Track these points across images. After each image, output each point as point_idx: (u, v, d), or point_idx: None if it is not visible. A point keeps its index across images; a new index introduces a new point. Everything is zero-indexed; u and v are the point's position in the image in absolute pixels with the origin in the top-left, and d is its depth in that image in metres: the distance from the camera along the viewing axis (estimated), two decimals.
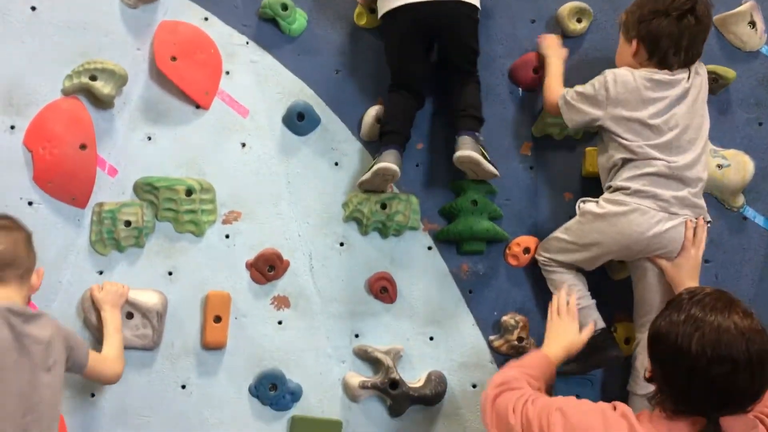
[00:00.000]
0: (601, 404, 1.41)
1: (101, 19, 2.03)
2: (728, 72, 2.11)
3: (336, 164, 2.14)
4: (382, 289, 2.09)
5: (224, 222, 2.07)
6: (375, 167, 1.99)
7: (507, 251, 2.13)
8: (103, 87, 1.96)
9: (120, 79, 1.99)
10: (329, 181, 2.13)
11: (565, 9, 2.14)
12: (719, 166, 2.06)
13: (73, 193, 1.96)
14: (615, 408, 1.39)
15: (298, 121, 2.12)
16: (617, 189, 1.86)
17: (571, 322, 1.83)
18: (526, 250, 2.10)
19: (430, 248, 2.14)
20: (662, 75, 1.86)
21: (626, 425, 1.34)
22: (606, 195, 1.89)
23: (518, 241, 2.11)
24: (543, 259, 2.03)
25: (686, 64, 1.87)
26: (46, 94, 1.96)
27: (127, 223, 1.97)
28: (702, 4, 1.84)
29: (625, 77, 1.86)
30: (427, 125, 2.17)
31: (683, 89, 1.85)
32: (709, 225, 1.87)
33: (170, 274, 2.03)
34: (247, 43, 2.15)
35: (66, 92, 1.97)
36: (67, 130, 1.93)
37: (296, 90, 2.15)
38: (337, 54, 2.18)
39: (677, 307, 1.35)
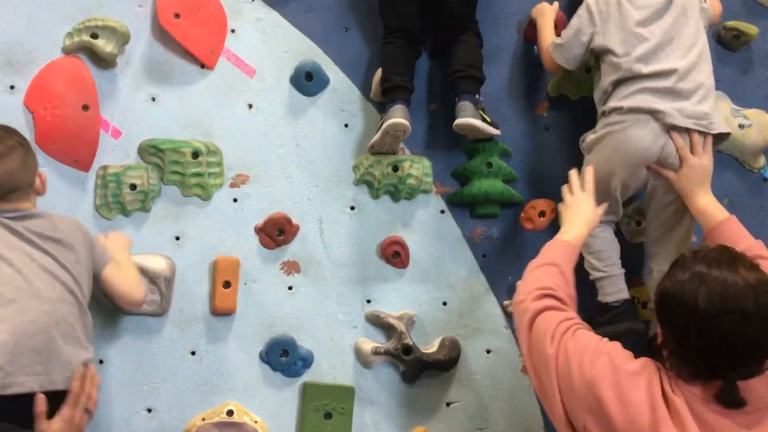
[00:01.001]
0: (648, 364, 1.35)
1: None
2: (750, 28, 2.06)
3: (346, 126, 2.09)
4: (394, 254, 2.04)
5: (232, 185, 2.02)
6: (384, 125, 1.93)
7: (522, 214, 2.08)
8: (104, 45, 1.89)
9: (122, 37, 1.91)
10: (339, 143, 2.08)
11: None
12: (741, 126, 2.01)
13: (76, 156, 1.89)
14: (659, 369, 1.35)
15: (307, 81, 2.05)
16: (611, 111, 1.80)
17: (586, 198, 1.76)
18: (542, 214, 2.06)
19: (442, 212, 2.09)
20: None
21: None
22: (600, 121, 1.84)
23: (533, 204, 2.07)
24: None
25: None
26: (46, 52, 1.89)
27: (133, 187, 1.91)
28: None
29: None
30: (440, 85, 2.10)
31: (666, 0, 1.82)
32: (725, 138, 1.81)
33: (177, 239, 1.97)
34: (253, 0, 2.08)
35: (66, 51, 1.90)
36: (68, 90, 1.87)
37: (304, 49, 2.08)
38: (347, 11, 2.11)
39: (681, 266, 1.32)
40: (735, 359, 1.25)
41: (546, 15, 2.02)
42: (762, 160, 2.06)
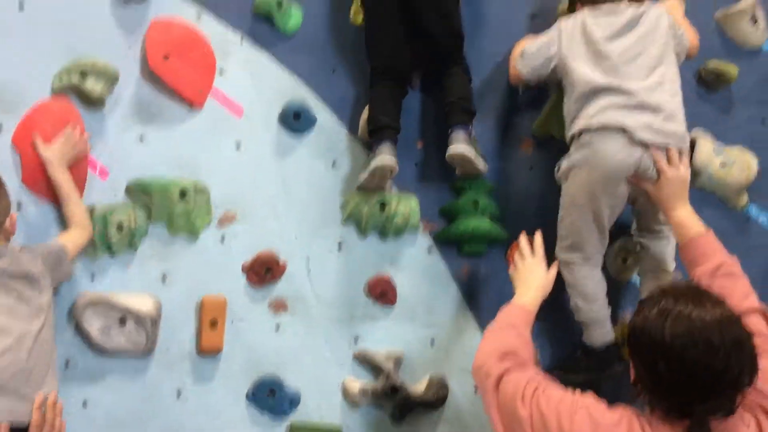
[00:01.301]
0: (626, 413, 1.35)
1: (92, 18, 1.96)
2: (731, 69, 2.10)
3: (333, 164, 2.10)
4: (382, 292, 2.04)
5: (219, 224, 2.02)
6: (372, 165, 1.95)
7: (509, 251, 2.09)
8: (93, 86, 1.90)
9: (111, 78, 1.93)
10: (326, 181, 2.09)
11: (564, 6, 2.11)
12: (723, 165, 2.04)
13: None
14: (637, 415, 1.35)
15: (294, 120, 2.07)
16: (581, 132, 1.81)
17: (538, 263, 1.78)
18: None
19: (430, 249, 2.10)
20: (607, 6, 1.87)
21: None
22: (572, 145, 1.85)
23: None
24: (562, 257, 1.92)
25: None
26: (36, 93, 1.89)
27: (120, 226, 1.91)
28: None
29: (574, 16, 1.91)
30: (427, 123, 2.13)
31: (631, 17, 1.84)
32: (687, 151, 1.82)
33: (164, 277, 1.97)
34: (242, 40, 2.10)
35: (56, 92, 1.91)
36: (57, 131, 1.87)
37: (292, 88, 2.10)
38: (334, 52, 2.13)
39: (650, 303, 1.34)
40: (703, 391, 1.26)
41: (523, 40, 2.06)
42: (745, 199, 2.08)
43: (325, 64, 2.13)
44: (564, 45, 1.88)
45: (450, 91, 2.03)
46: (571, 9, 2.02)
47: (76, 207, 1.83)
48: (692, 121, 2.08)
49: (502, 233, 2.07)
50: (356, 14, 2.12)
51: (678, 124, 1.79)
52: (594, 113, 1.78)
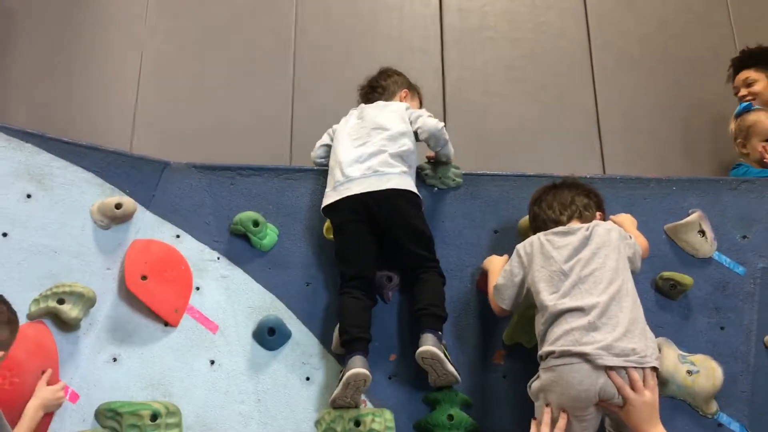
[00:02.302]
0: None
1: (72, 242, 2.03)
2: (685, 278, 2.20)
3: (307, 379, 2.10)
4: None
5: None
6: (344, 377, 1.95)
7: None
8: (70, 310, 1.93)
9: (88, 302, 1.96)
10: (301, 397, 2.08)
11: (524, 221, 2.24)
12: (689, 372, 2.08)
13: None
14: None
15: (269, 335, 2.10)
16: (547, 355, 1.83)
17: None
18: None
19: None
20: (559, 228, 1.99)
21: None
22: (540, 365, 1.86)
23: None
24: None
25: (576, 213, 2.02)
26: None
27: None
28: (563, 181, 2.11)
29: (530, 239, 2.00)
30: (400, 336, 2.16)
31: (583, 236, 1.94)
32: (654, 370, 1.81)
33: None
34: (218, 258, 2.18)
35: (31, 317, 1.93)
36: (29, 359, 1.86)
37: (267, 304, 2.15)
38: (308, 267, 2.21)
39: None
40: None
41: (494, 264, 2.14)
42: (714, 406, 2.11)
43: (299, 279, 2.19)
44: (526, 268, 1.97)
45: (420, 297, 2.09)
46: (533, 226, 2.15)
47: None
48: (655, 330, 2.15)
49: None
50: (328, 230, 2.23)
51: (636, 341, 1.79)
52: (557, 337, 1.82)
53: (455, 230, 2.26)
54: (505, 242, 2.27)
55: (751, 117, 2.65)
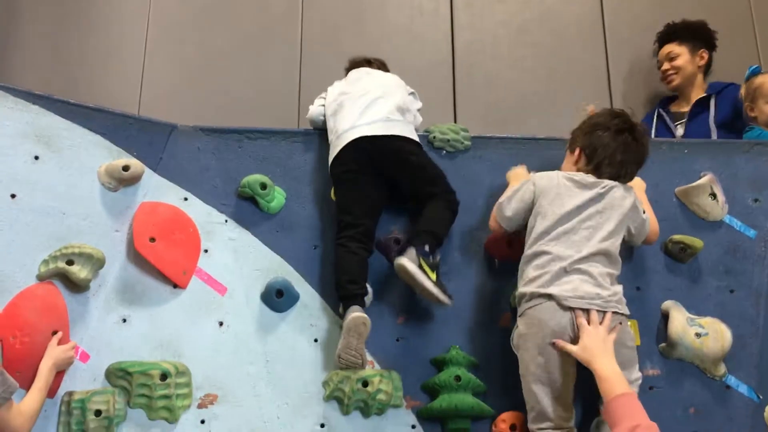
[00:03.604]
0: None
1: (80, 204, 2.03)
2: (696, 241, 2.18)
3: (315, 341, 2.11)
4: None
5: (200, 406, 1.99)
6: (344, 327, 1.98)
7: (493, 428, 2.07)
8: (79, 271, 1.93)
9: (97, 263, 1.97)
10: (309, 358, 2.09)
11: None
12: (697, 335, 2.07)
13: None
14: None
15: (277, 297, 2.10)
16: (521, 297, 1.93)
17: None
18: (513, 427, 2.04)
19: (413, 427, 2.07)
20: (582, 176, 2.00)
21: None
22: (519, 310, 1.94)
23: (504, 417, 2.06)
24: (532, 427, 1.90)
25: (615, 177, 2.01)
26: (20, 280, 1.91)
27: (98, 413, 1.88)
28: (640, 128, 2.05)
29: (550, 174, 2.03)
30: (407, 298, 2.16)
31: (597, 193, 1.97)
32: (620, 321, 1.89)
33: None
34: (226, 221, 2.18)
35: (41, 277, 1.94)
36: (40, 318, 1.88)
37: (275, 266, 2.15)
38: (316, 230, 2.21)
39: None
40: None
41: (516, 177, 2.18)
42: (722, 368, 2.10)
43: (307, 241, 2.19)
44: (535, 199, 2.01)
45: (422, 218, 2.11)
46: None
47: (36, 402, 1.78)
48: (663, 293, 2.17)
49: (486, 408, 2.06)
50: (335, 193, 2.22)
51: (600, 290, 1.88)
52: (530, 279, 1.91)
53: (464, 194, 2.24)
54: None
55: (758, 80, 2.63)
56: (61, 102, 2.08)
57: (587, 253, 1.90)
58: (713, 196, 2.24)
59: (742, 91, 2.71)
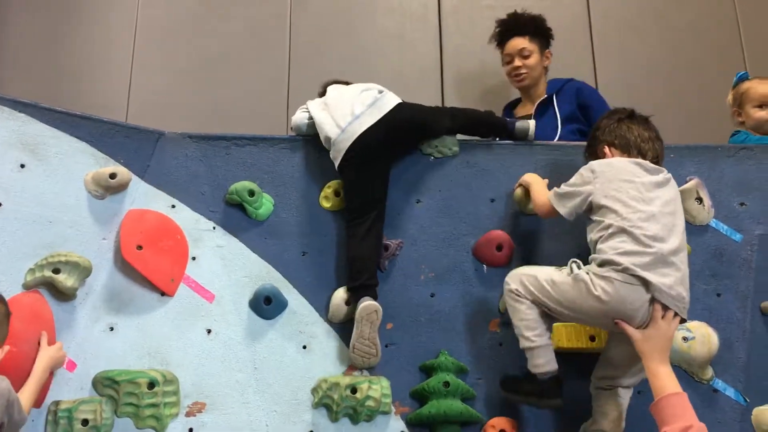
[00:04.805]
0: None
1: (67, 211, 2.03)
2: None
3: (304, 347, 2.11)
4: None
5: (188, 414, 1.99)
6: (357, 315, 2.00)
7: None
8: (66, 280, 1.93)
9: (84, 271, 1.96)
10: (298, 365, 2.09)
11: (518, 192, 2.22)
12: (685, 339, 2.08)
13: None
14: None
15: (265, 304, 2.10)
16: (607, 263, 1.82)
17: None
18: None
19: None
20: (644, 161, 1.96)
21: None
22: (596, 269, 1.83)
23: (493, 423, 2.06)
24: (515, 288, 1.94)
25: (656, 157, 2.00)
26: (6, 289, 1.90)
27: (85, 422, 1.87)
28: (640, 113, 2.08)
29: (608, 160, 2.00)
30: (396, 304, 2.16)
31: (664, 178, 1.95)
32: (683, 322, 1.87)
33: None
34: (214, 228, 2.18)
35: (27, 286, 1.93)
36: (26, 327, 1.86)
37: (263, 273, 2.15)
38: (304, 236, 2.21)
39: None
40: None
41: (537, 180, 2.16)
42: (709, 372, 2.11)
43: (295, 248, 2.19)
44: (598, 183, 1.92)
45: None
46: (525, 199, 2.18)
47: (31, 393, 1.78)
48: None
49: (475, 414, 2.06)
50: (325, 199, 2.23)
51: (685, 293, 1.84)
52: (623, 251, 1.81)
53: (452, 199, 2.25)
54: (502, 211, 2.26)
55: (744, 85, 2.64)
56: (48, 110, 2.08)
57: (677, 244, 1.84)
58: (699, 200, 2.25)
59: (729, 97, 2.73)
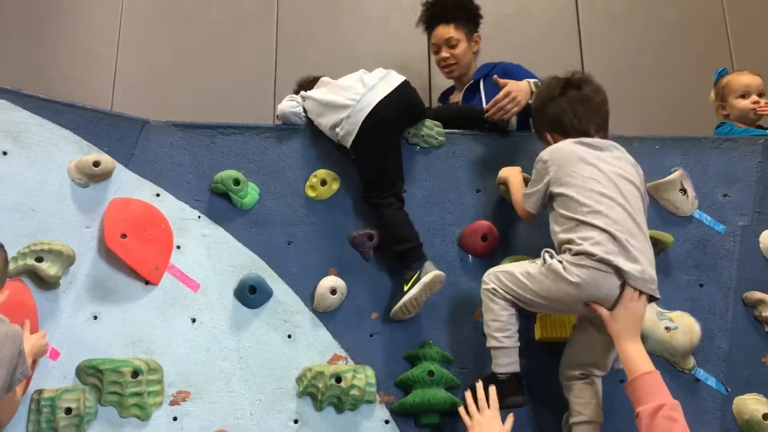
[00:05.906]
0: None
1: (50, 200, 2.01)
2: (666, 237, 2.20)
3: (289, 336, 2.11)
4: None
5: (172, 403, 1.98)
6: (424, 278, 2.03)
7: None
8: (49, 268, 1.91)
9: (67, 260, 1.95)
10: (282, 354, 2.09)
11: (504, 171, 2.23)
12: (667, 329, 2.10)
13: None
14: None
15: (250, 294, 2.09)
16: (580, 253, 1.81)
17: (493, 418, 1.84)
18: None
19: (387, 422, 2.07)
20: (589, 139, 1.94)
21: None
22: (570, 258, 1.82)
23: None
24: (492, 288, 1.95)
25: (600, 129, 1.98)
26: None
27: (68, 411, 1.86)
28: (581, 78, 2.02)
29: (556, 145, 1.96)
30: (381, 294, 2.17)
31: (617, 156, 1.93)
32: (656, 301, 1.89)
33: None
34: (199, 217, 2.17)
35: (10, 275, 1.91)
36: (9, 316, 1.79)
37: (248, 262, 2.15)
38: (289, 226, 2.20)
39: None
40: None
41: (513, 173, 2.17)
42: (691, 361, 2.13)
43: (280, 237, 2.19)
44: (552, 171, 1.91)
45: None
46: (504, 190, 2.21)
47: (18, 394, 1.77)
48: None
49: (459, 403, 2.06)
50: (310, 188, 2.22)
51: (653, 273, 1.85)
52: (595, 241, 1.80)
53: (438, 189, 2.26)
54: (487, 201, 2.27)
55: (725, 79, 2.70)
56: (31, 97, 2.06)
57: (639, 226, 1.85)
58: (683, 191, 2.27)
59: (712, 94, 2.75)
